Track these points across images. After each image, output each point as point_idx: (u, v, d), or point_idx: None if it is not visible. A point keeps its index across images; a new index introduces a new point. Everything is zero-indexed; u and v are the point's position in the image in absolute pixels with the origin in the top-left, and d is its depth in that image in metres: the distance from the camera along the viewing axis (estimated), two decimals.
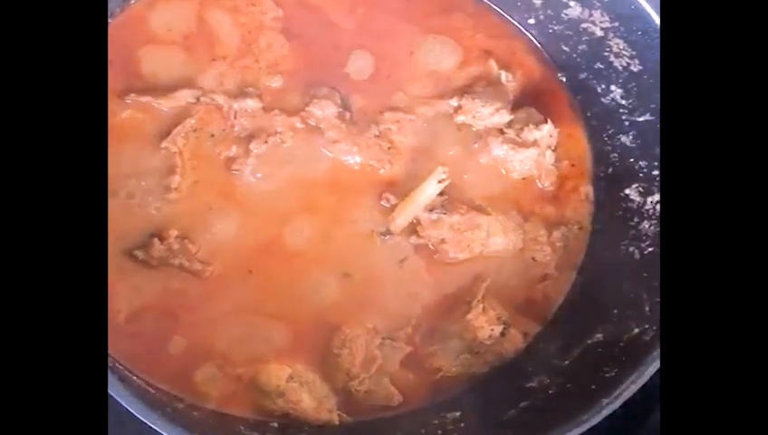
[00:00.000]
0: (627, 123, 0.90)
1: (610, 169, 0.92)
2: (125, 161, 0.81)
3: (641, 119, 0.88)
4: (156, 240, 0.80)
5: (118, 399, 0.66)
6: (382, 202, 0.87)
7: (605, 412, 0.77)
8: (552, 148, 0.90)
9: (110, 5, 0.73)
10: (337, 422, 0.84)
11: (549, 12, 0.89)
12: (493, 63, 0.91)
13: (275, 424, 0.82)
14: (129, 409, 0.66)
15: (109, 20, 0.73)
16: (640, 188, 0.89)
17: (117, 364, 0.70)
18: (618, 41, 0.85)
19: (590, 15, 0.86)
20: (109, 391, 0.64)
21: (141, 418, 0.67)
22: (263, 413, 0.83)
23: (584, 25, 0.87)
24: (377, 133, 0.87)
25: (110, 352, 0.71)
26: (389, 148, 0.87)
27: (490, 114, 0.89)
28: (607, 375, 0.80)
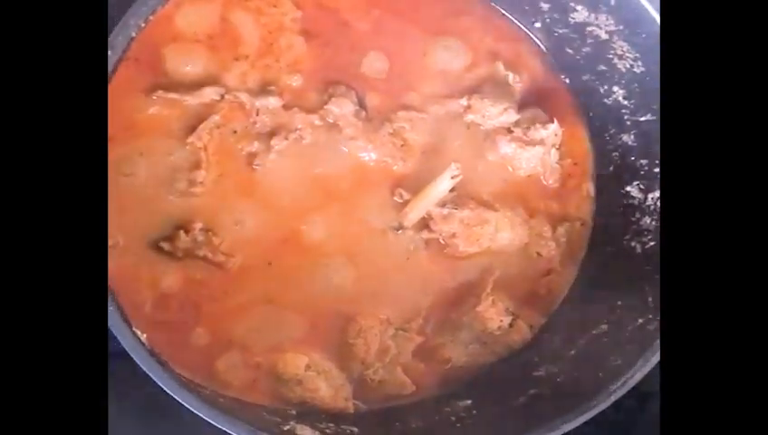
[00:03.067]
0: (628, 123, 0.92)
1: (612, 168, 0.95)
2: (152, 156, 0.82)
3: (643, 119, 0.91)
4: (181, 232, 0.82)
5: (159, 382, 0.68)
6: (395, 197, 0.89)
7: (612, 398, 0.80)
8: (557, 146, 0.93)
9: (144, 11, 0.75)
10: (352, 410, 0.86)
11: (555, 15, 0.91)
12: (500, 65, 0.93)
13: (293, 411, 0.85)
14: (170, 392, 0.69)
15: (142, 24, 0.75)
16: (641, 185, 0.92)
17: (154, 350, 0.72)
18: (622, 43, 0.88)
19: (596, 19, 0.88)
20: (151, 374, 0.67)
21: (181, 400, 0.69)
22: (281, 401, 0.85)
23: (589, 29, 0.90)
24: (391, 131, 0.89)
25: (144, 338, 0.73)
26: (402, 145, 0.89)
27: (498, 114, 0.91)
28: (613, 364, 0.83)
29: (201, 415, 0.70)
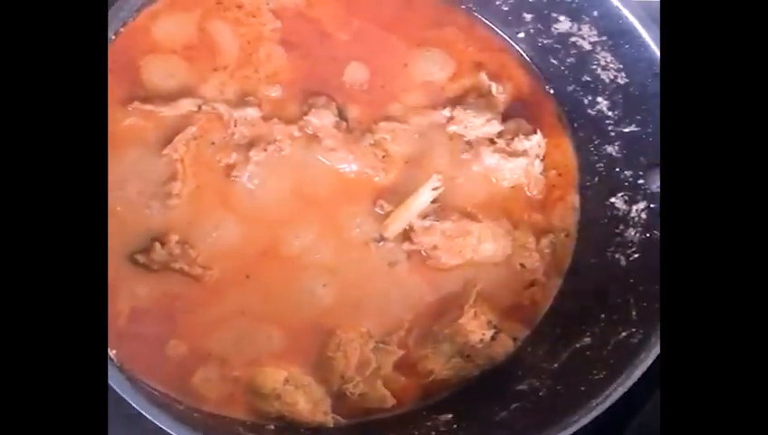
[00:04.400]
0: (612, 134, 0.92)
1: (596, 179, 0.94)
2: (127, 168, 0.82)
3: (627, 130, 0.90)
4: (157, 244, 0.81)
5: (127, 399, 0.67)
6: (376, 209, 0.88)
7: (594, 413, 0.80)
8: (541, 157, 0.93)
9: (116, 23, 0.74)
10: (331, 424, 0.85)
11: (539, 26, 0.91)
12: (484, 76, 0.93)
13: (272, 426, 0.84)
14: (139, 409, 0.68)
15: (112, 36, 0.74)
16: (626, 197, 0.92)
17: (124, 365, 0.71)
18: (605, 54, 0.87)
19: (579, 30, 0.88)
20: (119, 391, 0.66)
21: (150, 417, 0.68)
22: (259, 415, 0.84)
23: (573, 39, 0.89)
24: (372, 142, 0.88)
25: (114, 353, 0.72)
26: (384, 156, 0.89)
27: (481, 124, 0.91)
28: (596, 377, 0.82)
29: (173, 433, 0.69)
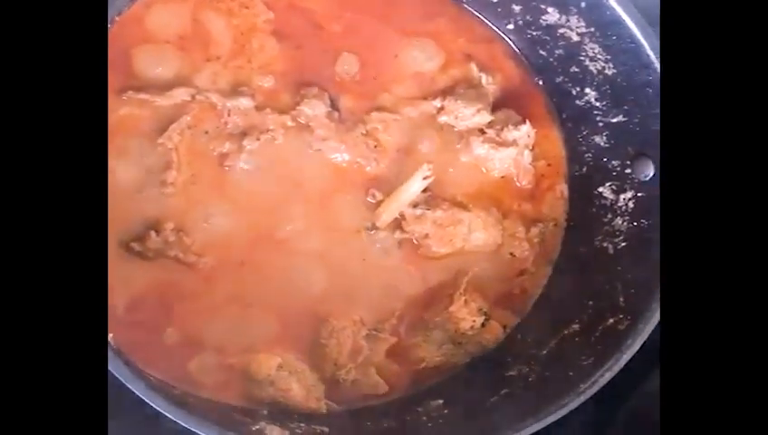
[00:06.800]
0: (600, 124, 0.93)
1: (585, 168, 0.95)
2: (123, 156, 0.82)
3: (614, 120, 0.91)
4: (152, 232, 0.82)
5: (126, 383, 0.68)
6: (368, 198, 0.89)
7: (582, 398, 0.81)
8: (530, 147, 0.94)
9: (110, 12, 0.75)
10: (324, 410, 0.86)
11: (527, 18, 0.92)
12: (474, 67, 0.94)
13: (265, 411, 0.84)
14: (137, 392, 0.69)
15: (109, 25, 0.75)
16: (613, 187, 0.93)
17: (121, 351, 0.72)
18: (593, 45, 0.88)
19: (567, 21, 0.89)
20: (117, 375, 0.67)
21: (147, 400, 0.69)
22: (253, 401, 0.85)
23: (561, 31, 0.90)
24: (364, 132, 0.89)
25: (111, 338, 0.73)
26: (376, 146, 0.90)
27: (471, 115, 0.92)
28: (584, 363, 0.83)
29: (169, 415, 0.70)
